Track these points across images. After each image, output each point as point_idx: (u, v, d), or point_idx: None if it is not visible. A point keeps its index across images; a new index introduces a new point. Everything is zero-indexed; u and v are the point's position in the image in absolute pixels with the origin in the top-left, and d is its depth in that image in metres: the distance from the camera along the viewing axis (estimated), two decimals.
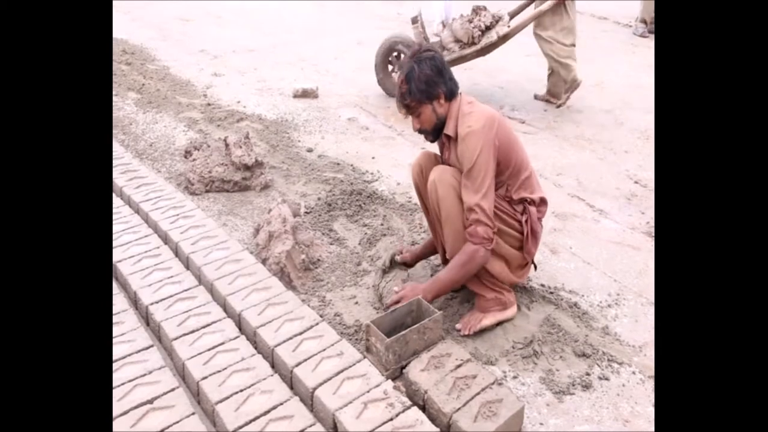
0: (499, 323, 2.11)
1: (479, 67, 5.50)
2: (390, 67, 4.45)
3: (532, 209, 2.06)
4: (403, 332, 1.87)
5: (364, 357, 1.87)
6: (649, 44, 6.55)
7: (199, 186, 3.04)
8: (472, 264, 1.98)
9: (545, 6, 4.02)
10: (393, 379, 1.81)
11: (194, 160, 3.13)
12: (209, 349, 1.87)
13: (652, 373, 1.93)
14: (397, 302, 2.05)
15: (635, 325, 2.16)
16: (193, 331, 1.94)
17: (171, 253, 2.37)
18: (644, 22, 6.90)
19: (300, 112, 4.24)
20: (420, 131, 2.09)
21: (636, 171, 3.43)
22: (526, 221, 2.06)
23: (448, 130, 2.02)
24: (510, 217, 2.04)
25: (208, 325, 1.98)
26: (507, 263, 2.09)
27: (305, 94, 4.55)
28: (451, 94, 2.02)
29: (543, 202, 2.12)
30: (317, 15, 7.60)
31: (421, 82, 1.96)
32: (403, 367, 1.85)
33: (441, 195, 2.00)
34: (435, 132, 2.06)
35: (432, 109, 2.00)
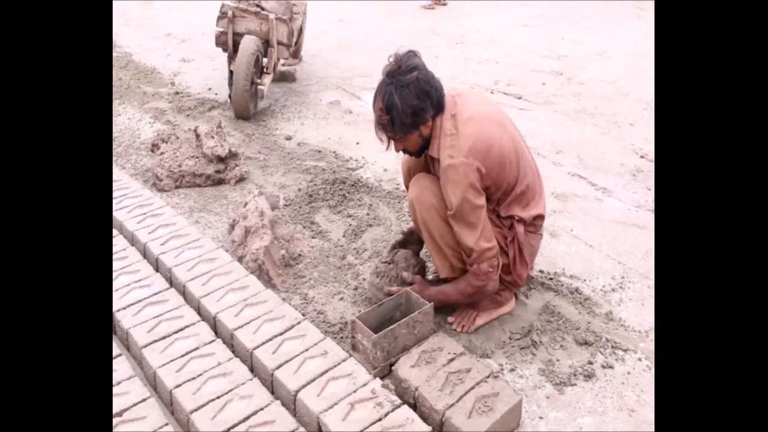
0: None
1: (472, 40, 5.52)
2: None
3: (520, 228, 2.01)
4: (391, 327, 1.90)
5: (350, 356, 1.89)
6: None
7: (168, 182, 3.06)
8: (479, 296, 2.04)
9: None
10: (381, 378, 1.84)
11: (162, 153, 3.15)
12: (182, 356, 1.89)
13: None
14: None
15: (641, 309, 2.20)
16: (164, 337, 1.96)
17: (139, 255, 2.39)
18: None
19: (277, 98, 4.26)
20: (404, 151, 2.05)
21: (642, 144, 3.46)
22: (512, 241, 2.02)
23: (433, 151, 1.96)
24: (495, 235, 1.99)
25: (180, 329, 2.00)
26: (501, 281, 2.07)
27: (282, 77, 4.56)
28: (438, 109, 1.93)
29: (537, 218, 2.07)
30: None
31: (405, 115, 1.86)
32: (392, 364, 1.88)
33: (421, 217, 2.02)
34: (420, 151, 2.02)
35: (418, 134, 1.94)
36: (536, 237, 2.10)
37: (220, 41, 3.95)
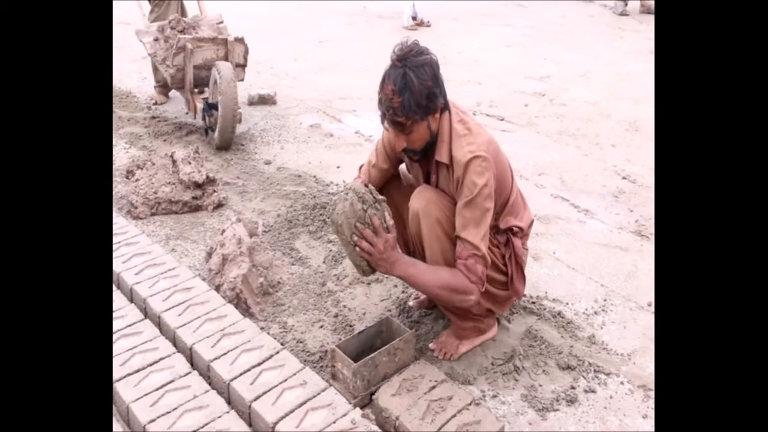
0: None
1: (454, 61, 5.64)
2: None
3: (517, 242, 2.03)
4: (372, 355, 1.92)
5: (330, 385, 1.91)
6: (637, 27, 6.78)
7: (143, 209, 3.08)
8: (457, 297, 1.92)
9: None
10: (362, 407, 1.86)
11: (137, 180, 3.17)
12: (157, 389, 1.89)
13: (642, 382, 2.01)
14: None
15: (623, 331, 2.25)
16: (138, 371, 1.96)
17: (113, 285, 2.40)
18: (623, 0, 7.25)
19: (257, 121, 4.31)
20: (406, 151, 1.95)
21: (624, 166, 3.56)
22: (510, 258, 2.02)
23: (441, 156, 1.90)
24: (493, 254, 1.99)
25: (155, 362, 2.00)
26: (493, 302, 2.09)
27: (262, 100, 4.63)
28: (446, 103, 1.91)
29: (530, 225, 2.11)
30: (274, 12, 7.71)
31: (421, 95, 1.80)
32: (373, 393, 1.91)
33: (424, 232, 1.95)
34: (424, 151, 1.94)
35: (427, 126, 1.87)
36: (526, 250, 2.15)
37: (177, 79, 3.87)
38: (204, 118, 3.84)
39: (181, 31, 3.97)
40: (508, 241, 2.04)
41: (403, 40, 1.88)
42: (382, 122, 1.91)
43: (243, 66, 4.01)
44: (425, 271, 1.95)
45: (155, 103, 4.63)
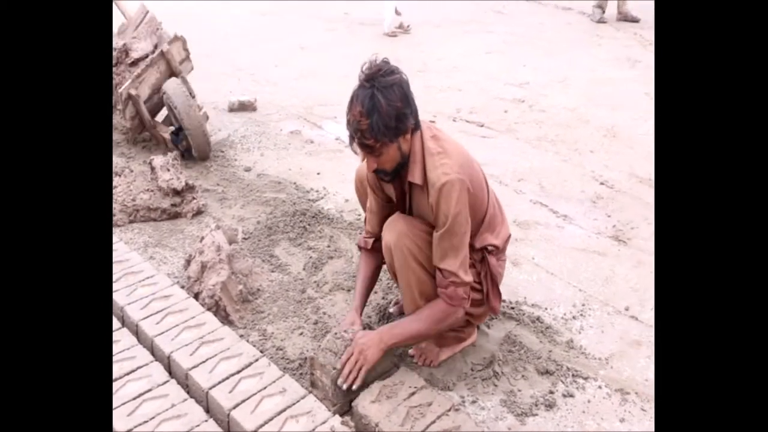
0: None
1: (434, 68, 5.68)
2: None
3: (492, 259, 2.03)
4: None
5: (310, 392, 1.91)
6: (615, 35, 6.89)
7: (121, 216, 3.05)
8: (446, 323, 1.95)
9: None
10: (342, 414, 1.86)
11: (115, 187, 3.14)
12: (134, 398, 1.88)
13: (619, 386, 2.04)
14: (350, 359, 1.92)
15: (601, 336, 2.28)
16: (115, 380, 1.95)
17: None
18: (600, 7, 7.37)
19: (237, 128, 4.30)
20: (377, 172, 1.92)
21: (602, 171, 3.61)
22: (485, 276, 2.02)
23: (414, 177, 1.88)
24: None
25: (132, 371, 1.99)
26: (470, 317, 2.08)
27: (242, 107, 4.61)
28: (416, 123, 1.86)
29: (507, 240, 2.12)
30: (255, 18, 7.70)
31: (389, 117, 1.75)
32: (352, 400, 1.91)
33: (397, 265, 1.95)
34: (395, 172, 1.91)
35: (397, 147, 1.84)
36: (503, 263, 2.15)
37: (136, 126, 3.77)
38: (177, 146, 3.67)
39: (115, 65, 3.85)
40: (483, 258, 2.03)
41: (371, 58, 1.83)
42: (351, 144, 1.88)
43: (186, 59, 3.88)
44: (412, 331, 1.95)
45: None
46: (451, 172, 1.82)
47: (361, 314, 2.12)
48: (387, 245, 1.96)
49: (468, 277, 1.91)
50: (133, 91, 3.63)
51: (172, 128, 3.75)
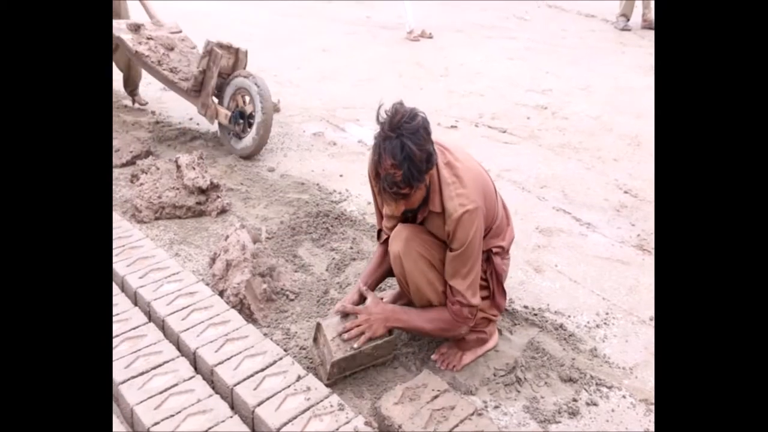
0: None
1: (456, 73, 5.69)
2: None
3: (497, 259, 2.08)
4: (353, 353, 2.01)
5: (332, 392, 1.93)
6: (639, 42, 6.85)
7: (147, 213, 3.09)
8: (449, 333, 2.06)
9: None
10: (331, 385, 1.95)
11: (142, 184, 3.19)
12: (161, 392, 1.91)
13: (643, 396, 2.03)
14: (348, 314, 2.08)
15: (625, 345, 2.27)
16: (142, 373, 1.98)
17: (117, 288, 2.41)
18: (625, 16, 7.34)
19: None
20: (405, 212, 1.95)
21: (626, 180, 3.59)
22: (491, 274, 2.08)
23: (434, 206, 1.91)
24: None
25: (159, 365, 2.02)
26: (481, 311, 2.12)
27: None
28: (435, 158, 1.86)
29: (511, 241, 2.18)
30: (277, 21, 7.77)
31: (421, 162, 1.75)
32: (344, 370, 2.02)
33: (407, 269, 2.00)
34: (418, 208, 1.95)
35: (425, 185, 1.86)
36: (507, 262, 2.21)
37: (197, 82, 3.81)
38: (231, 123, 3.79)
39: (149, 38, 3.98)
40: (489, 258, 2.08)
41: (388, 108, 1.81)
42: (380, 195, 1.88)
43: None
44: (418, 323, 2.06)
45: (143, 103, 4.67)
46: (468, 203, 1.87)
47: (370, 289, 2.19)
48: (395, 255, 2.02)
49: (475, 299, 1.98)
50: (217, 50, 3.69)
51: (227, 112, 3.82)
